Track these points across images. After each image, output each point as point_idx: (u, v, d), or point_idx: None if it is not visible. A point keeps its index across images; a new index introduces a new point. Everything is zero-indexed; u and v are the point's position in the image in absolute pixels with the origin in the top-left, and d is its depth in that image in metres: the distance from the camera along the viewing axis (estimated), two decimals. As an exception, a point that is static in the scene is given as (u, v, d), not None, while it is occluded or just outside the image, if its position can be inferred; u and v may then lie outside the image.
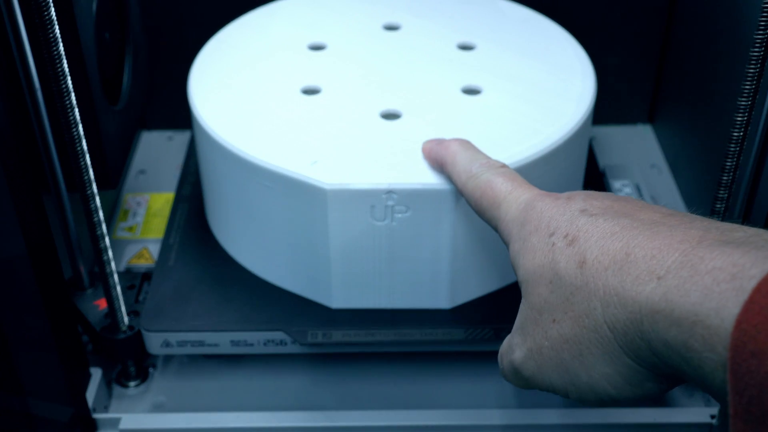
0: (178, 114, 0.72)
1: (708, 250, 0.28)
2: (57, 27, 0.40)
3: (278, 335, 0.49)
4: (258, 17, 0.61)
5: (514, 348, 0.37)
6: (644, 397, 0.33)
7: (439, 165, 0.45)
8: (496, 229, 0.39)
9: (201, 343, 0.49)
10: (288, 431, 0.49)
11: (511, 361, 0.37)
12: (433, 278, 0.49)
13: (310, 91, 0.53)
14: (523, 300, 0.36)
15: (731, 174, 0.46)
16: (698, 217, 0.32)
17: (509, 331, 0.49)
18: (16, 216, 0.41)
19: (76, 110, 0.43)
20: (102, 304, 0.52)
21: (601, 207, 0.34)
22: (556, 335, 0.33)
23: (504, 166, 0.41)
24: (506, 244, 0.38)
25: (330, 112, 0.51)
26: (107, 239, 0.47)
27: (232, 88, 0.53)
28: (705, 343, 0.27)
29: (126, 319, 0.50)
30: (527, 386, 0.37)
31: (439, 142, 0.45)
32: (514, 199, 0.38)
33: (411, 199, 0.46)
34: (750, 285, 0.26)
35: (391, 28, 0.59)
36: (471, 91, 0.53)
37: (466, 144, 0.44)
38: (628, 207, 0.34)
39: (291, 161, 0.47)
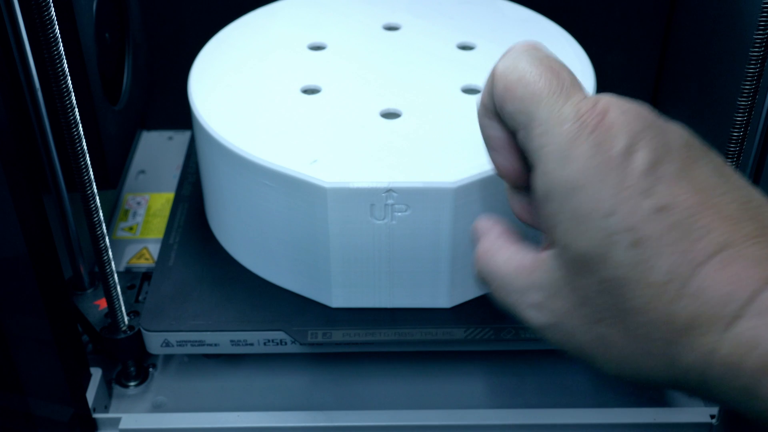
0: (178, 114, 0.72)
1: None
2: (57, 27, 0.40)
3: (278, 335, 0.49)
4: (258, 17, 0.61)
5: (532, 305, 0.33)
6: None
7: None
8: (515, 129, 0.33)
9: (201, 343, 0.49)
10: (288, 431, 0.49)
11: (525, 316, 0.33)
12: (433, 277, 0.49)
13: (310, 91, 0.53)
14: (559, 263, 0.31)
15: (731, 174, 0.46)
16: (760, 211, 0.30)
17: (509, 331, 0.49)
18: (16, 216, 0.41)
19: (76, 110, 0.43)
20: (102, 304, 0.52)
21: (669, 194, 0.29)
22: (599, 334, 0.31)
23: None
24: (530, 155, 0.32)
25: (330, 112, 0.51)
26: (107, 239, 0.47)
27: (232, 87, 0.53)
28: None
29: (126, 319, 0.50)
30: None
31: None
32: (555, 106, 0.32)
33: (411, 197, 0.46)
34: None
35: (391, 28, 0.59)
36: (471, 91, 0.53)
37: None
38: (695, 196, 0.29)
39: (291, 160, 0.47)
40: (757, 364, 0.27)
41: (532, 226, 0.36)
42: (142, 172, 0.71)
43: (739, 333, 0.27)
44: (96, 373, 0.51)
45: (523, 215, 0.37)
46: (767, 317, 0.27)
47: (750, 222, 0.29)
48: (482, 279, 0.36)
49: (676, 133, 0.32)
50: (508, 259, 0.34)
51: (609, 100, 0.32)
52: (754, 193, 0.31)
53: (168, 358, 0.55)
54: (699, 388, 0.29)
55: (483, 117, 0.36)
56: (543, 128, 0.32)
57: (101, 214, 0.46)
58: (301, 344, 0.49)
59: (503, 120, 0.34)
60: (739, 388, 0.27)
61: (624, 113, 0.31)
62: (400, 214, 0.46)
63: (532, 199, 0.35)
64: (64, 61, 0.41)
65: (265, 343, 0.50)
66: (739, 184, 0.31)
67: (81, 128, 0.43)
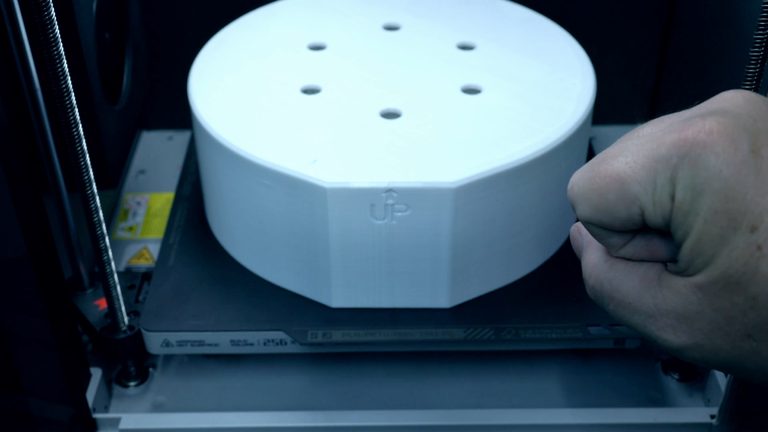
0: (178, 114, 0.72)
1: None
2: (57, 27, 0.40)
3: (278, 335, 0.49)
4: (258, 17, 0.61)
5: (665, 327, 0.31)
6: None
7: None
8: (642, 217, 0.30)
9: (201, 343, 0.49)
10: (288, 431, 0.49)
11: (659, 337, 0.31)
12: (433, 277, 0.49)
13: (310, 91, 0.53)
14: (697, 290, 0.30)
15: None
16: None
17: (509, 331, 0.49)
18: (16, 216, 0.41)
19: (76, 110, 0.43)
20: (102, 304, 0.52)
21: None
22: (749, 349, 0.29)
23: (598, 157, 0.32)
24: (662, 225, 0.30)
25: (330, 112, 0.51)
26: (107, 239, 0.47)
27: (232, 87, 0.53)
28: None
29: (126, 319, 0.50)
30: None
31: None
32: (652, 159, 0.30)
33: (410, 197, 0.46)
34: None
35: (391, 28, 0.59)
36: (471, 91, 0.53)
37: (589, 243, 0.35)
38: None
39: (291, 160, 0.47)
40: None
41: (643, 260, 0.33)
42: (142, 172, 0.71)
43: None
44: (96, 373, 0.51)
45: (637, 255, 0.33)
46: None
47: None
48: (598, 294, 0.33)
49: None
50: (629, 275, 0.32)
51: (699, 113, 0.30)
52: None
53: (168, 358, 0.55)
54: None
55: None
56: (659, 186, 0.30)
57: (101, 214, 0.46)
58: (301, 344, 0.49)
59: (611, 228, 0.32)
60: None
61: (722, 113, 0.30)
62: (400, 214, 0.46)
63: (644, 240, 0.32)
64: (64, 61, 0.41)
65: (265, 343, 0.50)
66: None
67: (81, 128, 0.43)
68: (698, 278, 0.29)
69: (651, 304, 0.31)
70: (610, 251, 0.33)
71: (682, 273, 0.30)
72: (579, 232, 0.35)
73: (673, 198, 0.29)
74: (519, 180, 0.48)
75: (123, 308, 0.50)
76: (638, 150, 0.30)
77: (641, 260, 0.33)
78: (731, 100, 0.31)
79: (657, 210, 0.30)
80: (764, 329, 0.28)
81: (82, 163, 0.44)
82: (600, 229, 0.32)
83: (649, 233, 0.32)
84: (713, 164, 0.28)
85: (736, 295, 0.28)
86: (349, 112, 0.51)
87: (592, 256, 0.34)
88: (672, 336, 0.31)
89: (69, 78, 0.42)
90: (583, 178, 0.32)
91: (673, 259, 0.31)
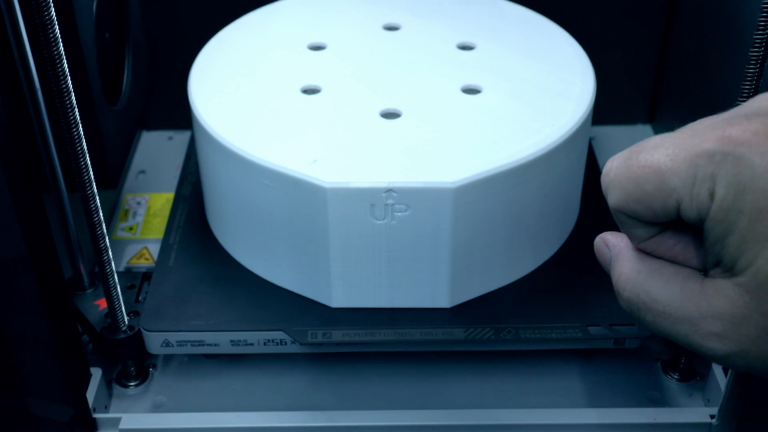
0: (178, 114, 0.72)
1: None
2: (57, 27, 0.40)
3: (278, 335, 0.49)
4: (258, 17, 0.61)
5: (710, 335, 0.30)
6: None
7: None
8: (676, 212, 0.30)
9: (201, 343, 0.50)
10: (288, 431, 0.49)
11: (703, 346, 0.31)
12: (433, 277, 0.49)
13: (310, 91, 0.53)
14: (743, 292, 0.29)
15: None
16: None
17: (509, 331, 0.49)
18: (16, 216, 0.41)
19: (76, 110, 0.43)
20: (102, 304, 0.52)
21: None
22: None
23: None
24: (697, 220, 0.30)
25: (330, 112, 0.51)
26: (107, 239, 0.47)
27: (232, 87, 0.53)
28: None
29: (126, 319, 0.50)
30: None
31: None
32: (694, 154, 0.29)
33: (410, 197, 0.46)
34: None
35: (391, 28, 0.59)
36: (471, 91, 0.53)
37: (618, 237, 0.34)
38: None
39: (291, 160, 0.47)
40: None
41: (681, 263, 0.33)
42: (142, 172, 0.71)
43: None
44: (96, 373, 0.51)
45: (674, 255, 0.33)
46: None
47: None
48: (635, 306, 0.33)
49: None
50: (668, 284, 0.32)
51: (738, 115, 0.30)
52: None
53: (168, 358, 0.55)
54: None
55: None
56: (699, 180, 0.29)
57: (101, 214, 0.46)
58: (301, 344, 0.49)
59: (641, 218, 0.32)
60: None
61: (763, 115, 0.29)
62: (400, 214, 0.46)
63: (673, 237, 0.32)
64: (64, 61, 0.41)
65: (265, 343, 0.50)
66: None
67: (81, 128, 0.43)
68: (743, 279, 0.29)
69: (694, 311, 0.31)
70: (633, 242, 0.33)
71: (726, 275, 0.30)
72: (606, 244, 0.34)
73: (712, 194, 0.29)
74: (519, 180, 0.48)
75: (123, 308, 0.50)
76: (680, 143, 0.30)
77: (662, 257, 0.32)
78: (765, 100, 0.30)
79: (693, 204, 0.29)
80: None
81: (82, 163, 0.44)
82: (629, 218, 0.32)
83: (679, 232, 0.32)
84: (758, 164, 0.28)
85: None
86: (349, 112, 0.51)
87: (625, 268, 0.33)
88: (717, 344, 0.30)
89: (69, 78, 0.42)
90: (620, 165, 0.31)
91: (700, 265, 0.31)
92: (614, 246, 0.34)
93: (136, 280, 0.54)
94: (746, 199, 0.28)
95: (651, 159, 0.30)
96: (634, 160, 0.31)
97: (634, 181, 0.31)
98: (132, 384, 0.53)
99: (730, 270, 0.29)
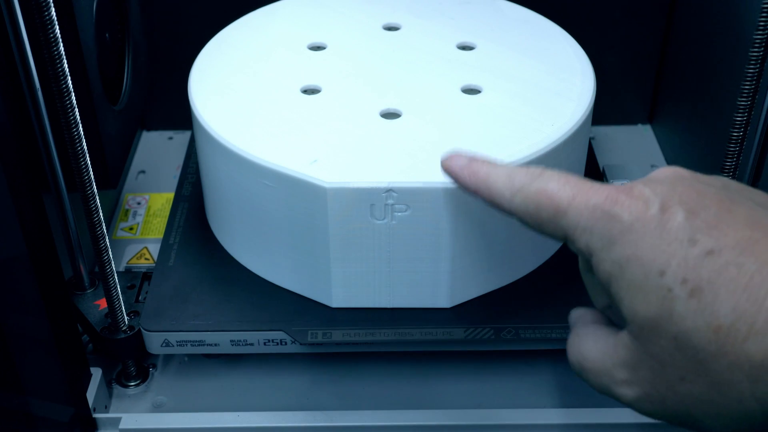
0: (178, 114, 0.72)
1: None
2: (57, 27, 0.40)
3: (278, 335, 0.49)
4: (258, 17, 0.61)
5: (620, 382, 0.33)
6: None
7: (472, 192, 0.39)
8: (564, 240, 0.34)
9: (201, 343, 0.50)
10: (288, 431, 0.49)
11: (616, 394, 0.34)
12: (433, 277, 0.49)
13: (310, 91, 0.53)
14: (632, 339, 0.32)
15: (731, 174, 0.46)
16: None
17: (509, 331, 0.49)
18: (16, 216, 0.41)
19: (76, 110, 0.43)
20: (102, 304, 0.52)
21: (713, 236, 0.30)
22: (687, 393, 0.31)
23: (546, 169, 0.36)
24: (585, 255, 0.34)
25: (330, 112, 0.51)
26: (107, 239, 0.47)
27: (232, 87, 0.53)
28: None
29: (126, 319, 0.50)
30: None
31: (464, 167, 0.39)
32: (583, 204, 0.33)
33: (410, 197, 0.46)
34: None
35: (391, 28, 0.59)
36: (471, 91, 0.53)
37: (492, 162, 0.38)
38: (740, 231, 0.30)
39: (291, 160, 0.47)
40: None
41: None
42: (142, 172, 0.71)
43: None
44: (96, 373, 0.51)
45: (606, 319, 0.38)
46: None
47: None
48: (575, 367, 0.36)
49: (706, 181, 0.33)
50: (595, 344, 0.35)
51: (632, 183, 0.33)
52: None
53: (168, 358, 0.55)
54: None
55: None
56: (581, 228, 0.33)
57: (101, 214, 0.46)
58: (301, 344, 0.49)
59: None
60: None
61: (647, 183, 0.33)
62: (400, 214, 0.46)
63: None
64: (64, 61, 0.41)
65: (265, 343, 0.50)
66: None
67: (81, 128, 0.43)
68: (629, 326, 0.32)
69: (609, 363, 0.34)
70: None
71: (624, 324, 0.33)
72: (570, 318, 0.38)
73: (588, 246, 0.33)
74: (519, 180, 0.47)
75: (123, 308, 0.50)
76: (581, 189, 0.34)
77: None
78: (661, 172, 0.34)
79: (578, 248, 0.34)
80: (692, 369, 0.30)
81: (82, 163, 0.44)
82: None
83: None
84: (626, 218, 0.31)
85: (662, 338, 0.31)
86: (349, 112, 0.51)
87: (570, 336, 0.37)
88: (627, 390, 0.33)
89: (69, 78, 0.42)
90: (529, 182, 0.35)
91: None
92: (574, 318, 0.38)
93: (136, 280, 0.54)
94: (616, 250, 0.32)
95: (555, 193, 0.34)
96: (543, 183, 0.35)
97: (534, 202, 0.35)
98: (132, 384, 0.53)
99: (623, 319, 0.32)
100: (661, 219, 0.31)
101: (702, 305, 0.29)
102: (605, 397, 0.51)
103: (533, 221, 0.35)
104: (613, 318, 0.36)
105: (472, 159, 0.39)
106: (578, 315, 0.38)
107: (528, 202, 0.35)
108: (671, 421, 0.33)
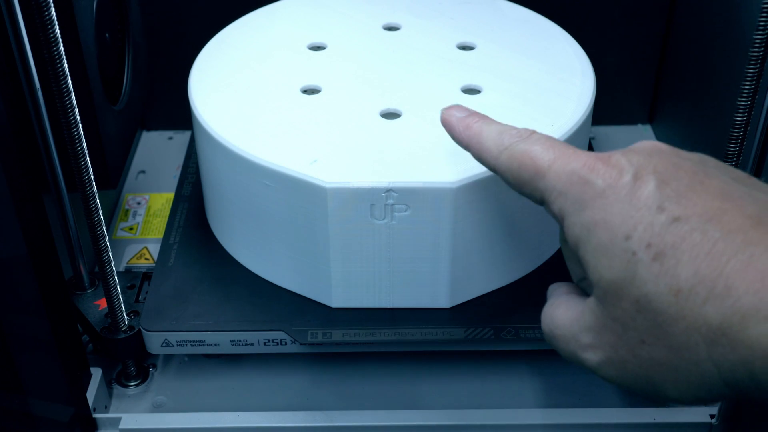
0: (178, 114, 0.72)
1: None
2: (57, 27, 0.40)
3: (278, 335, 0.49)
4: (258, 17, 0.61)
5: (585, 347, 0.34)
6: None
7: (464, 145, 0.41)
8: (541, 203, 0.35)
9: (201, 343, 0.50)
10: (288, 431, 0.49)
11: (581, 359, 0.35)
12: (433, 277, 0.49)
13: (310, 91, 0.53)
14: (597, 303, 0.33)
15: (731, 174, 0.46)
16: None
17: (509, 331, 0.49)
18: (16, 216, 0.41)
19: (76, 110, 0.43)
20: (102, 304, 0.52)
21: (682, 204, 0.30)
22: (647, 356, 0.31)
23: (535, 132, 0.37)
24: (558, 220, 0.35)
25: (330, 112, 0.51)
26: (107, 239, 0.47)
27: (232, 88, 0.53)
28: None
29: (126, 319, 0.50)
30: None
31: (461, 119, 0.41)
32: (561, 168, 0.34)
33: (410, 197, 0.46)
34: None
35: (391, 28, 0.59)
36: (471, 91, 0.53)
37: (488, 119, 0.40)
38: (710, 201, 0.30)
39: (291, 160, 0.47)
40: None
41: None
42: (142, 172, 0.71)
43: None
44: (96, 373, 0.51)
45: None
46: None
47: (762, 224, 0.29)
48: (547, 335, 0.37)
49: (684, 155, 0.33)
50: (566, 311, 0.36)
51: (612, 152, 0.34)
52: None
53: (168, 358, 0.55)
54: (752, 389, 0.29)
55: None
56: (556, 192, 0.34)
57: (101, 214, 0.46)
58: (301, 344, 0.49)
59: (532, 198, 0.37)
60: None
61: (624, 153, 0.33)
62: (400, 214, 0.46)
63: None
64: (64, 61, 0.41)
65: (265, 343, 0.50)
66: (759, 188, 0.31)
67: (81, 128, 0.43)
68: (596, 289, 0.33)
69: (576, 328, 0.35)
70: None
71: (591, 289, 0.33)
72: (548, 292, 0.39)
73: (562, 210, 0.34)
74: (519, 180, 0.47)
75: (123, 308, 0.50)
76: (562, 154, 0.35)
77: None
78: (641, 144, 0.35)
79: (553, 210, 0.35)
80: (652, 332, 0.31)
81: (82, 163, 0.44)
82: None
83: None
84: (599, 184, 0.32)
85: (624, 301, 0.31)
86: (349, 112, 0.51)
87: (546, 305, 0.38)
88: (590, 354, 0.34)
89: (69, 78, 0.42)
90: (517, 142, 0.37)
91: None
92: (550, 290, 0.39)
93: (136, 280, 0.54)
94: (586, 214, 0.32)
95: (538, 154, 0.35)
96: (528, 144, 0.36)
97: (518, 161, 0.36)
98: (132, 384, 0.53)
99: (591, 284, 0.33)
100: (633, 186, 0.32)
101: (664, 269, 0.30)
102: (605, 397, 0.51)
103: (515, 180, 0.36)
104: (587, 290, 0.37)
105: (471, 113, 0.41)
106: (554, 287, 0.39)
107: (512, 160, 0.36)
108: (634, 389, 0.33)
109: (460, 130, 0.40)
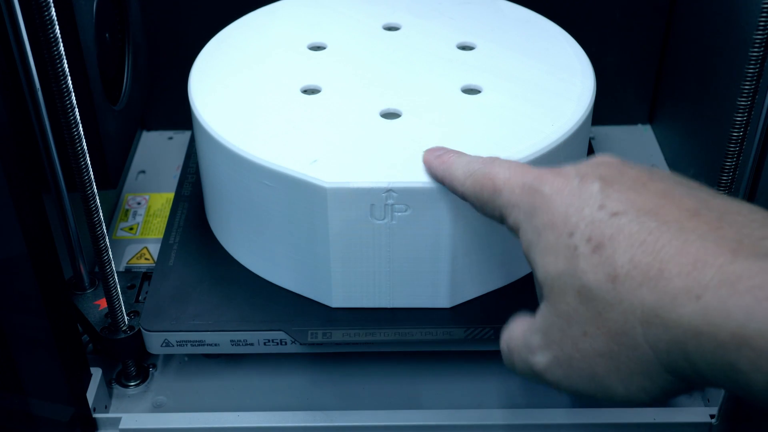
0: (178, 114, 0.72)
1: (744, 266, 0.28)
2: (57, 27, 0.40)
3: (278, 335, 0.49)
4: (258, 17, 0.61)
5: (534, 350, 0.35)
6: (675, 397, 0.32)
7: (439, 178, 0.44)
8: (501, 220, 0.38)
9: (201, 343, 0.50)
10: (288, 431, 0.49)
11: (531, 363, 0.36)
12: (433, 277, 0.49)
13: (310, 91, 0.53)
14: (544, 302, 0.34)
15: (731, 174, 0.46)
16: (724, 206, 0.31)
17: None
18: (16, 216, 0.41)
19: (76, 110, 0.43)
20: (102, 304, 0.52)
21: (622, 201, 0.32)
22: (589, 349, 0.32)
23: (498, 158, 0.39)
24: (514, 233, 0.36)
25: (330, 112, 0.51)
26: (107, 239, 0.47)
27: (232, 87, 0.53)
28: (752, 365, 0.27)
29: (126, 319, 0.50)
30: (543, 383, 0.36)
31: (438, 156, 0.44)
32: (515, 183, 0.36)
33: (410, 197, 0.46)
34: None
35: (391, 28, 0.59)
36: (471, 91, 0.53)
37: (461, 154, 0.43)
38: (650, 199, 0.32)
39: (291, 160, 0.47)
40: (733, 334, 0.27)
41: None
42: (142, 172, 0.71)
43: (707, 304, 0.28)
44: (96, 373, 0.51)
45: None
46: (736, 287, 0.27)
47: (709, 212, 0.31)
48: (504, 353, 0.38)
49: (633, 165, 0.35)
50: (519, 324, 0.37)
51: (564, 166, 0.36)
52: (720, 196, 0.32)
53: (168, 358, 0.55)
54: (688, 371, 0.29)
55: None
56: (511, 205, 0.36)
57: (101, 214, 0.46)
58: (301, 344, 0.49)
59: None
60: (722, 363, 0.28)
61: (575, 165, 0.35)
62: (400, 214, 0.46)
63: None
64: (64, 61, 0.41)
65: (265, 343, 0.50)
66: (704, 191, 0.33)
67: (81, 128, 0.43)
68: (544, 289, 0.34)
69: (528, 334, 0.36)
70: None
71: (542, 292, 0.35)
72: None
73: (516, 221, 0.36)
74: (519, 180, 0.47)
75: (123, 308, 0.50)
76: (516, 171, 0.37)
77: None
78: (593, 157, 0.37)
79: (510, 223, 0.37)
80: (593, 322, 0.32)
81: (82, 163, 0.44)
82: None
83: None
84: (547, 191, 0.35)
85: (567, 295, 0.33)
86: (349, 112, 0.51)
87: (502, 330, 0.39)
88: (540, 356, 0.35)
89: (69, 78, 0.42)
90: (478, 169, 0.39)
91: None
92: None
93: (136, 280, 0.54)
94: (536, 220, 0.35)
95: (496, 174, 0.38)
96: (490, 168, 0.38)
97: (480, 184, 0.39)
98: (132, 384, 0.53)
99: (540, 285, 0.35)
100: (578, 189, 0.34)
101: (602, 258, 0.31)
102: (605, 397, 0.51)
103: (477, 202, 0.39)
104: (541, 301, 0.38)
105: (447, 151, 0.44)
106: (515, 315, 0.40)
107: (475, 184, 0.39)
108: (581, 390, 0.34)
109: (436, 165, 0.44)
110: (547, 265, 0.34)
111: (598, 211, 0.32)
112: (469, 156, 0.42)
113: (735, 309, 0.27)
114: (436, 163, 0.44)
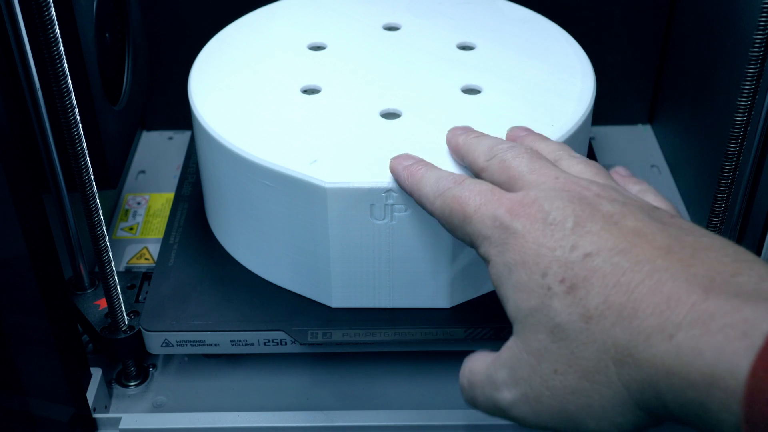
0: (178, 114, 0.72)
1: (717, 305, 0.28)
2: (57, 27, 0.40)
3: (278, 335, 0.49)
4: (258, 17, 0.61)
5: (500, 386, 0.35)
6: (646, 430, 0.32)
7: (408, 192, 0.43)
8: (472, 246, 0.37)
9: (201, 343, 0.50)
10: (288, 431, 0.49)
11: (495, 399, 0.35)
12: (433, 277, 0.49)
13: (310, 91, 0.53)
14: (513, 338, 0.34)
15: (731, 174, 0.46)
16: (697, 242, 0.31)
17: (510, 332, 0.49)
18: (16, 216, 0.41)
19: (76, 110, 0.43)
20: (102, 304, 0.52)
21: (594, 242, 0.32)
22: (560, 386, 0.32)
23: (468, 178, 0.39)
24: (485, 262, 0.36)
25: (330, 112, 0.51)
26: (107, 239, 0.47)
27: (232, 88, 0.53)
28: (722, 405, 0.26)
29: (126, 319, 0.50)
30: (507, 419, 0.35)
31: (406, 167, 0.43)
32: (485, 213, 0.36)
33: (410, 197, 0.46)
34: (761, 342, 0.26)
35: (391, 28, 0.59)
36: (471, 91, 0.53)
37: (431, 166, 0.42)
38: (622, 238, 0.32)
39: (291, 160, 0.47)
40: (703, 374, 0.27)
41: None
42: (142, 172, 0.71)
43: (680, 343, 0.28)
44: (96, 373, 0.51)
45: None
46: (708, 326, 0.27)
47: (682, 249, 0.31)
48: (464, 388, 0.38)
49: (607, 195, 0.35)
50: (482, 358, 0.37)
51: (537, 196, 0.35)
52: (692, 231, 0.32)
53: (168, 358, 0.55)
54: (659, 409, 0.30)
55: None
56: (482, 236, 0.36)
57: (101, 214, 0.46)
58: (301, 344, 0.49)
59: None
60: (693, 404, 0.28)
61: (548, 198, 0.35)
62: (400, 214, 0.46)
63: None
64: (64, 61, 0.41)
65: (265, 343, 0.50)
66: (676, 227, 0.33)
67: (81, 128, 0.43)
68: (514, 325, 0.34)
69: (492, 369, 0.36)
70: None
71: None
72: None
73: (487, 254, 0.36)
74: (519, 180, 0.47)
75: (123, 308, 0.50)
76: (489, 199, 0.36)
77: None
78: (570, 185, 0.36)
79: (481, 253, 0.36)
80: (565, 360, 0.32)
81: (82, 163, 0.44)
82: None
83: None
84: (519, 228, 0.34)
85: (539, 333, 0.33)
86: (349, 112, 0.51)
87: (462, 364, 0.39)
88: (506, 392, 0.34)
89: (69, 78, 0.42)
90: (449, 188, 0.39)
91: None
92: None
93: (136, 280, 0.54)
94: (507, 256, 0.34)
95: (466, 200, 0.37)
96: (459, 190, 0.38)
97: (449, 207, 0.38)
98: (132, 384, 0.53)
99: (510, 319, 0.35)
100: (550, 229, 0.33)
101: (576, 299, 0.31)
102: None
103: (447, 225, 0.39)
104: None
105: (417, 161, 0.43)
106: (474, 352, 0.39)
107: (444, 206, 0.38)
108: (549, 427, 0.34)
109: (405, 178, 0.43)
110: (519, 302, 0.34)
111: (570, 252, 0.32)
112: (439, 171, 0.41)
113: (706, 348, 0.27)
114: (404, 175, 0.43)
